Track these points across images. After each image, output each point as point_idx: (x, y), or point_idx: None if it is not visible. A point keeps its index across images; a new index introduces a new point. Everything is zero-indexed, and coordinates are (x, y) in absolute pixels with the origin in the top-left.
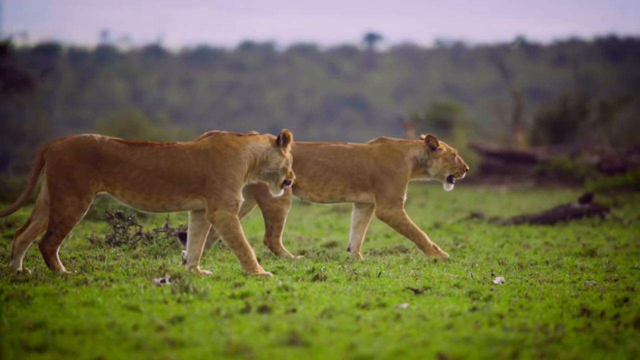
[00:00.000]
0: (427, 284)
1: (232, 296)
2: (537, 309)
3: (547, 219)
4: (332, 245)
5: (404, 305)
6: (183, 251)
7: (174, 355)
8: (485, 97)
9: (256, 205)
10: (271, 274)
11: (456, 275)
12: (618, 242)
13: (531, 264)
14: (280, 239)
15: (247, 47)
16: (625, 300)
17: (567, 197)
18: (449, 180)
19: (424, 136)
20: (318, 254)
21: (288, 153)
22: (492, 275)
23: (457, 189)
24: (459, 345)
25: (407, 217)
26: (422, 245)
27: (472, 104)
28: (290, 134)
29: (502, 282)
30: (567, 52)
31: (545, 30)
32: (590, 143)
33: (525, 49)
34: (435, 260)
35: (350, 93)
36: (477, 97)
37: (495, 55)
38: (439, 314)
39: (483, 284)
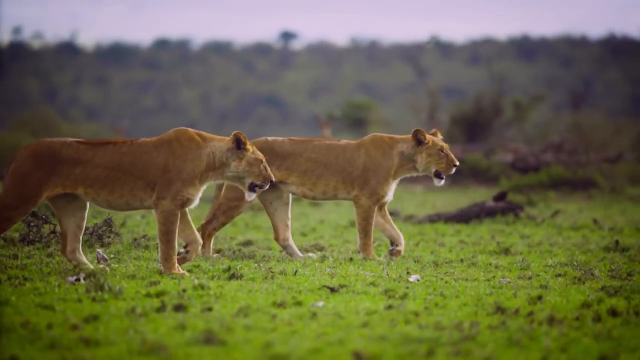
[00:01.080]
0: (343, 282)
1: (148, 295)
2: (452, 307)
3: (462, 217)
4: (247, 243)
5: (320, 304)
6: (98, 250)
7: (89, 354)
8: (401, 96)
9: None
10: (187, 273)
11: (372, 274)
12: (532, 240)
13: (446, 262)
14: (216, 232)
15: (162, 45)
16: (539, 298)
17: (481, 195)
18: (437, 175)
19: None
20: (234, 252)
21: (250, 155)
22: (408, 273)
23: None
24: (375, 344)
25: (374, 218)
26: (364, 245)
27: (387, 102)
28: (242, 136)
29: (418, 280)
30: (481, 51)
31: (459, 29)
32: (505, 142)
33: (440, 48)
34: (351, 259)
35: (265, 91)
36: (392, 96)
37: (410, 54)
38: (355, 312)
39: (399, 282)
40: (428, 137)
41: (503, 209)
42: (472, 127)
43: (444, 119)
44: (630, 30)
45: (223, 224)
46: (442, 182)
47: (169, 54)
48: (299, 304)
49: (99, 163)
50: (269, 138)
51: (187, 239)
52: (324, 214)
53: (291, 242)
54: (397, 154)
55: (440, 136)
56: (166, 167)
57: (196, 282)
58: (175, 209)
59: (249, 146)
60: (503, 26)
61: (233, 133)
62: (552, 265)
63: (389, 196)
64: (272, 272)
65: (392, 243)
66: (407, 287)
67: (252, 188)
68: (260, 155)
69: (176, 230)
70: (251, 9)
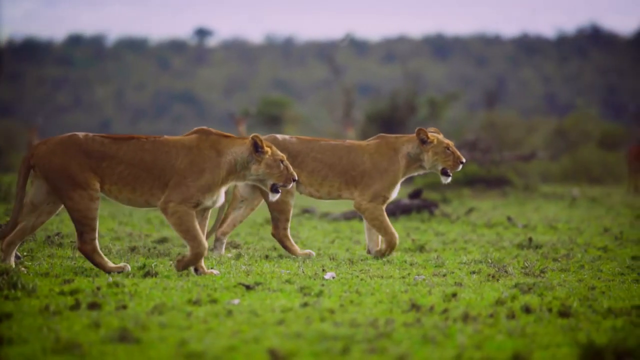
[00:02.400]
0: (259, 280)
1: (62, 292)
2: (368, 304)
3: None
4: (163, 241)
5: (236, 301)
6: None
7: (2, 353)
8: (316, 93)
9: (262, 200)
10: (216, 272)
11: (287, 271)
12: (446, 238)
13: (361, 260)
14: (288, 231)
15: (76, 41)
16: (454, 295)
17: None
18: (444, 173)
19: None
20: (149, 250)
21: (269, 157)
22: (323, 270)
23: None
24: (290, 341)
25: (384, 213)
26: (389, 242)
27: (302, 99)
28: (259, 139)
29: (333, 278)
30: (395, 49)
31: (374, 27)
32: None
33: (355, 45)
34: (266, 257)
35: (180, 89)
36: (307, 93)
37: (326, 52)
38: (271, 310)
39: (314, 279)
40: (431, 135)
41: (418, 206)
42: (387, 124)
43: (359, 117)
44: (543, 30)
45: (287, 221)
46: (449, 179)
47: (83, 51)
48: (214, 301)
49: (122, 159)
50: (278, 136)
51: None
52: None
53: (224, 240)
54: (404, 156)
55: (440, 134)
56: (184, 173)
57: (110, 279)
58: (187, 209)
59: (266, 148)
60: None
61: (250, 136)
62: (467, 262)
63: (393, 196)
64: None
65: (368, 251)
66: (323, 285)
67: (274, 189)
68: (280, 156)
69: (197, 226)
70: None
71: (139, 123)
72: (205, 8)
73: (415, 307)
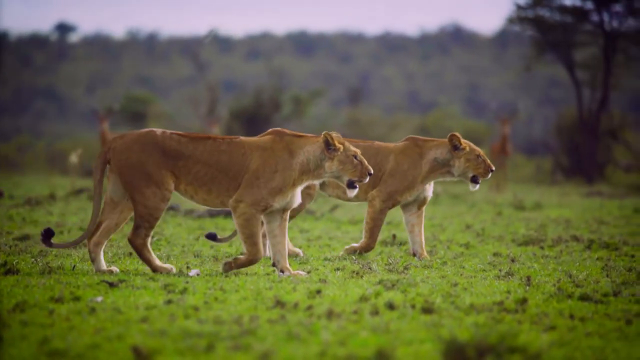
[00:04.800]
0: (123, 277)
1: None
2: (232, 301)
3: None
4: (24, 238)
5: (99, 299)
6: None
7: None
8: (180, 90)
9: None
10: (303, 273)
11: None
12: (311, 235)
13: (226, 256)
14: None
15: None
16: (318, 291)
17: None
18: (473, 180)
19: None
20: (10, 247)
21: (341, 154)
22: (188, 267)
23: None
24: (154, 338)
25: (383, 217)
26: (366, 245)
27: (167, 96)
28: (329, 136)
29: (198, 275)
30: (260, 46)
31: (237, 23)
32: None
33: (219, 42)
34: (130, 254)
35: (42, 85)
36: (172, 90)
37: (190, 48)
38: (134, 307)
39: (178, 276)
40: (464, 142)
41: None
42: (252, 121)
43: (223, 113)
44: (406, 28)
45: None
46: (477, 187)
47: None
48: (77, 299)
49: (199, 158)
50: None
51: (278, 255)
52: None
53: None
54: (428, 161)
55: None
56: (256, 174)
57: None
58: (256, 213)
59: (338, 145)
60: (281, 21)
61: (323, 134)
62: (331, 259)
63: (429, 194)
64: (49, 267)
65: (414, 254)
66: (187, 282)
67: (350, 185)
68: (354, 151)
69: (259, 233)
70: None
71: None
72: (66, 2)
73: (279, 303)
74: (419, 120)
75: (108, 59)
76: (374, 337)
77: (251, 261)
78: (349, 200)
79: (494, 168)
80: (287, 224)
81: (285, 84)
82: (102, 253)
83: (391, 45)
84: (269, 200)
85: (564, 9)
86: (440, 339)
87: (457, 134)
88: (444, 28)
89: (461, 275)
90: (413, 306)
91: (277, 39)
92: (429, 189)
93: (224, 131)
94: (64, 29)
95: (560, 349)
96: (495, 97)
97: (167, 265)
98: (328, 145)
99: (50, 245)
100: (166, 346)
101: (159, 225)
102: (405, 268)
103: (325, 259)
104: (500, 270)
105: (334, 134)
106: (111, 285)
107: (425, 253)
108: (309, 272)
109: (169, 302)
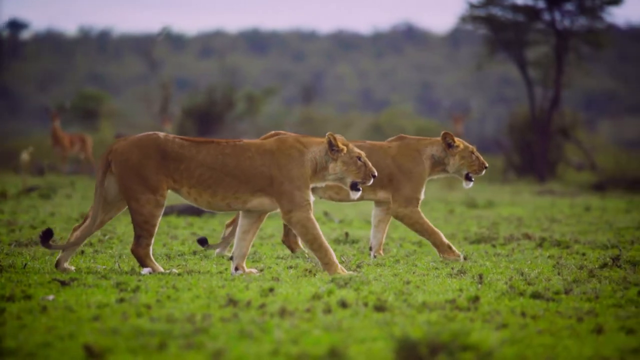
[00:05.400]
0: (74, 276)
1: None
2: (185, 300)
3: (195, 209)
4: None
5: (51, 297)
6: None
7: None
8: (133, 88)
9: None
10: (354, 273)
11: (104, 267)
12: (264, 233)
13: (179, 255)
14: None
15: None
16: (271, 290)
17: None
18: (467, 177)
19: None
20: None
21: (344, 155)
22: (140, 266)
23: None
24: (106, 337)
25: (423, 215)
26: (437, 244)
27: (119, 94)
28: (332, 137)
29: (150, 273)
30: (212, 44)
31: (190, 21)
32: (237, 134)
33: (172, 40)
34: (82, 252)
35: None
36: (124, 88)
37: (142, 46)
38: (86, 306)
39: (131, 275)
40: (457, 140)
41: None
42: (205, 119)
43: (176, 111)
44: (359, 26)
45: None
46: (472, 184)
47: None
48: (28, 297)
49: (202, 162)
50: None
51: (239, 251)
52: (55, 207)
53: None
54: (428, 157)
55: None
56: (276, 180)
57: None
58: (308, 215)
59: (341, 146)
60: (234, 19)
61: (326, 135)
62: (284, 257)
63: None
64: (1, 265)
65: (371, 248)
66: (140, 280)
67: (354, 186)
68: (357, 152)
69: (321, 233)
70: None
71: None
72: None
73: (232, 302)
74: (372, 119)
75: (60, 56)
76: (326, 335)
77: (327, 264)
78: (341, 201)
79: (487, 165)
80: (260, 225)
81: (239, 82)
82: (76, 249)
83: (344, 43)
84: (305, 196)
85: (516, 8)
86: (392, 337)
87: (450, 132)
88: (397, 27)
89: (414, 273)
90: (365, 304)
91: (230, 36)
92: None
93: (177, 129)
94: (15, 26)
95: (512, 346)
96: (448, 96)
97: (158, 267)
98: (331, 146)
99: (48, 247)
100: (118, 344)
101: (110, 224)
102: (358, 266)
103: (278, 257)
104: (452, 269)
105: (338, 136)
106: (63, 283)
107: (381, 251)
108: (261, 270)
109: (122, 300)
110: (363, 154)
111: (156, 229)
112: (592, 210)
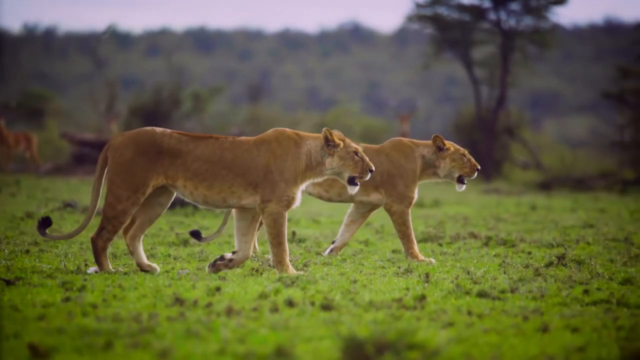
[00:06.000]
0: (20, 275)
1: None
2: (131, 299)
3: None
4: None
5: None
6: None
7: None
8: (79, 86)
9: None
10: (302, 273)
11: (49, 266)
12: (210, 232)
13: (125, 254)
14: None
15: None
16: (218, 289)
17: None
18: (459, 180)
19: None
20: None
21: (341, 150)
22: (86, 265)
23: (49, 178)
24: (52, 336)
25: (410, 219)
26: (409, 250)
27: (65, 92)
28: (328, 132)
29: (96, 272)
30: (159, 42)
31: (136, 20)
32: None
33: (117, 38)
34: (27, 251)
35: None
36: (70, 86)
37: (88, 44)
38: (32, 305)
39: (77, 274)
40: (447, 143)
41: (181, 200)
42: (151, 118)
43: (122, 110)
44: (305, 25)
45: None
46: (464, 187)
47: None
48: None
49: (199, 156)
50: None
51: (240, 246)
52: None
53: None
54: (420, 156)
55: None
56: (268, 168)
57: None
58: (282, 210)
59: (338, 141)
60: (180, 18)
61: (323, 130)
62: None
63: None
64: None
65: (333, 242)
66: (85, 279)
67: (351, 181)
68: (354, 147)
69: (286, 232)
70: None
71: None
72: None
73: (179, 301)
74: (319, 118)
75: (4, 54)
76: (273, 334)
77: (280, 262)
78: (330, 200)
79: (479, 167)
80: (257, 225)
81: (185, 81)
82: (139, 246)
83: (291, 42)
84: (288, 192)
85: (462, 8)
86: (339, 335)
87: (440, 135)
88: (344, 25)
89: (360, 272)
90: (312, 303)
91: (176, 35)
92: None
93: (123, 128)
94: None
95: (458, 345)
96: (394, 95)
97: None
98: (327, 141)
99: (44, 235)
100: (64, 344)
101: (57, 223)
102: (305, 265)
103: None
104: (399, 267)
105: (335, 131)
106: (8, 283)
107: (339, 253)
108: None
109: (67, 299)
110: (360, 149)
111: (122, 228)
112: (537, 209)
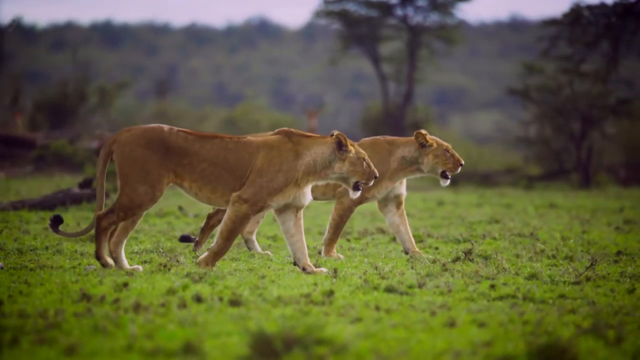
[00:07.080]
0: None
1: None
2: (37, 295)
3: (47, 204)
4: None
5: None
6: None
7: None
8: None
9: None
10: (325, 270)
11: None
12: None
13: (31, 250)
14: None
15: None
16: (125, 285)
17: (67, 182)
18: (443, 175)
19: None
20: None
21: (352, 155)
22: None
23: None
24: None
25: (349, 215)
26: (329, 242)
27: None
28: (342, 137)
29: (2, 268)
30: (65, 36)
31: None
32: (90, 128)
33: (22, 32)
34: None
35: None
36: None
37: None
38: None
39: None
40: (430, 138)
41: (89, 195)
42: (57, 113)
43: (27, 105)
44: (212, 20)
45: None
46: (448, 182)
47: None
48: None
49: (205, 157)
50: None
51: (298, 254)
52: None
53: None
54: (397, 159)
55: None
56: (260, 172)
57: None
58: (251, 214)
59: (350, 146)
60: (86, 12)
61: (335, 135)
62: (138, 252)
63: (403, 192)
64: None
65: (406, 252)
66: None
67: (356, 187)
68: (362, 153)
69: (237, 235)
70: None
71: None
72: None
73: (86, 297)
74: (226, 113)
75: None
76: (181, 330)
77: (216, 254)
78: (315, 199)
79: (463, 162)
80: (302, 222)
81: (92, 75)
82: (122, 252)
83: (198, 37)
84: (267, 201)
85: (369, 3)
86: (247, 331)
87: (423, 131)
88: (251, 20)
89: (269, 267)
90: (221, 299)
91: (82, 29)
92: (402, 187)
93: (28, 124)
94: None
95: (366, 340)
96: (302, 90)
97: (110, 260)
98: (341, 146)
99: (57, 232)
100: None
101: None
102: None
103: (132, 252)
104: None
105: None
106: None
107: (416, 248)
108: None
109: None
110: (366, 154)
111: (131, 219)
112: (444, 204)
